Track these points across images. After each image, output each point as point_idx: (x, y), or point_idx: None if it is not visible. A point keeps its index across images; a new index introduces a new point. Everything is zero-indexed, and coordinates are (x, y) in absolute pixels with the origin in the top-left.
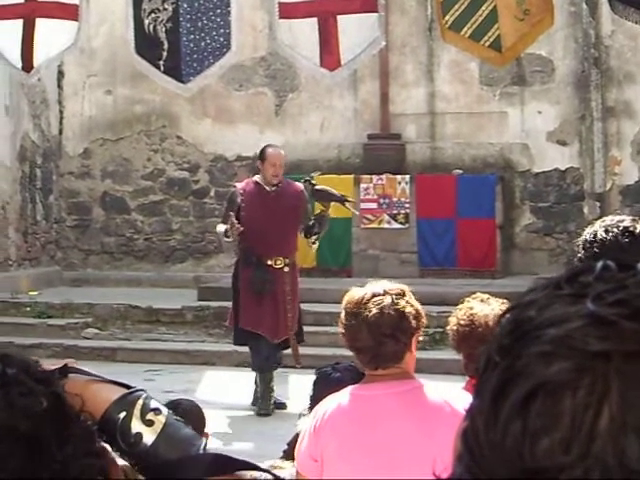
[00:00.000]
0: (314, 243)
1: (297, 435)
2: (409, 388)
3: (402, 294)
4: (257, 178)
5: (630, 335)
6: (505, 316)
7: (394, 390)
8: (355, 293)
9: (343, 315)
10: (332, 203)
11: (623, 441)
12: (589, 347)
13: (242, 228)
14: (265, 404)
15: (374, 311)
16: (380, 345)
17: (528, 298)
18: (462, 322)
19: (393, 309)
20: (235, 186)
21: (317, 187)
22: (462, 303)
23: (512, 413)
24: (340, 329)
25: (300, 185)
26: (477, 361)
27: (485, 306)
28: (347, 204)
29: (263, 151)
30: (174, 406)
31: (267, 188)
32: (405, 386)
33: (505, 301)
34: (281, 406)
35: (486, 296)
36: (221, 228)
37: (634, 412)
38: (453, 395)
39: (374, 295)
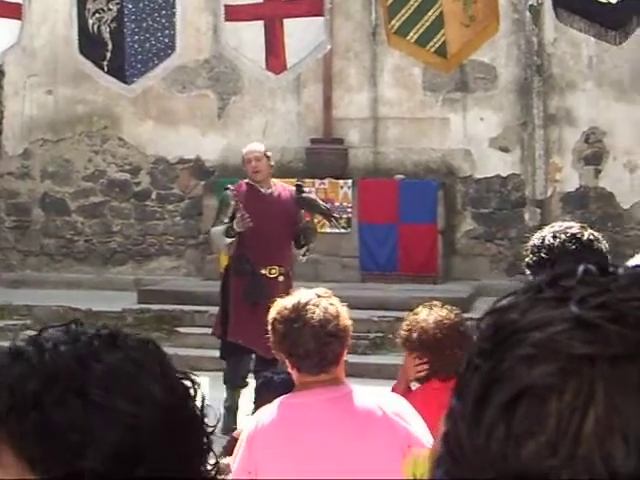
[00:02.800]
0: (304, 255)
1: (233, 437)
2: (340, 394)
3: (332, 297)
4: (249, 180)
5: (615, 338)
6: (483, 320)
7: (325, 396)
8: (286, 301)
9: (279, 324)
10: (316, 214)
11: (609, 444)
12: (574, 350)
13: (251, 222)
14: (232, 419)
15: (317, 312)
16: (324, 346)
17: (508, 301)
18: (405, 326)
19: (332, 310)
20: (228, 188)
21: (303, 195)
22: (411, 310)
23: (496, 417)
24: (273, 339)
25: (294, 189)
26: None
27: (434, 313)
28: (332, 219)
29: (242, 154)
30: None
31: (262, 190)
32: (337, 392)
33: (453, 308)
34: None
35: (435, 303)
36: (219, 229)
37: (620, 415)
38: (386, 399)
39: (309, 299)
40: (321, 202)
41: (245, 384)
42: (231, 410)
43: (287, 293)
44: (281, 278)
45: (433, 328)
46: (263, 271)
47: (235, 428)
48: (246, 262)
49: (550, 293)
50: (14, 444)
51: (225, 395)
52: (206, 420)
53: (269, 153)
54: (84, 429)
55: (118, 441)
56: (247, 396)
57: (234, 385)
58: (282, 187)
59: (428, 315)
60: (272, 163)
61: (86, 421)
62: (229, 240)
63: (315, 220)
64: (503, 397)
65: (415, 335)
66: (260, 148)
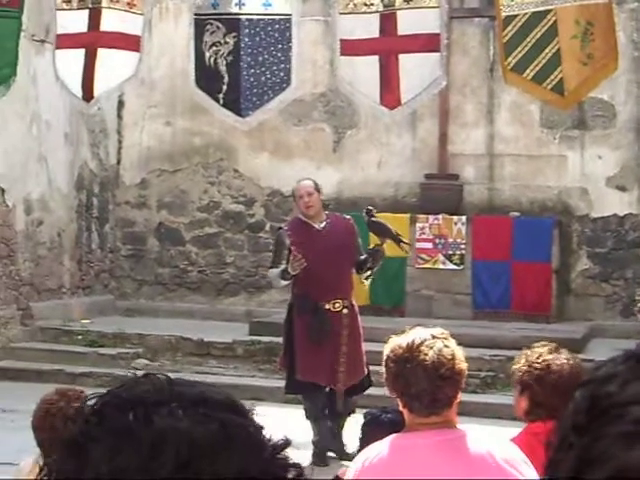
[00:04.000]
0: (367, 279)
1: (338, 477)
2: (452, 437)
3: (448, 338)
4: (302, 216)
5: None
6: (579, 390)
7: (436, 439)
8: (400, 340)
9: (392, 362)
10: (387, 239)
11: None
12: None
13: (305, 263)
14: (321, 455)
15: (430, 354)
16: (437, 388)
17: (607, 371)
18: (537, 365)
19: (447, 352)
20: (282, 227)
21: (374, 219)
22: (529, 348)
23: None
24: (387, 377)
25: (349, 218)
26: (553, 417)
27: (558, 355)
28: (402, 244)
29: (293, 190)
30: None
31: (316, 226)
32: (448, 435)
33: (576, 356)
34: (348, 456)
35: (554, 346)
36: (275, 271)
37: None
38: (498, 446)
39: (424, 339)
40: (392, 227)
41: (326, 416)
42: (321, 443)
43: (353, 324)
44: (345, 311)
45: (559, 371)
46: (327, 306)
47: (327, 464)
48: (308, 299)
49: None
50: None
51: (312, 430)
52: None
53: (320, 187)
54: None
55: None
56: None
57: (316, 418)
58: (336, 218)
59: (554, 356)
60: (322, 197)
61: None
62: (285, 282)
63: (384, 245)
64: (599, 477)
65: (554, 377)
66: (311, 183)
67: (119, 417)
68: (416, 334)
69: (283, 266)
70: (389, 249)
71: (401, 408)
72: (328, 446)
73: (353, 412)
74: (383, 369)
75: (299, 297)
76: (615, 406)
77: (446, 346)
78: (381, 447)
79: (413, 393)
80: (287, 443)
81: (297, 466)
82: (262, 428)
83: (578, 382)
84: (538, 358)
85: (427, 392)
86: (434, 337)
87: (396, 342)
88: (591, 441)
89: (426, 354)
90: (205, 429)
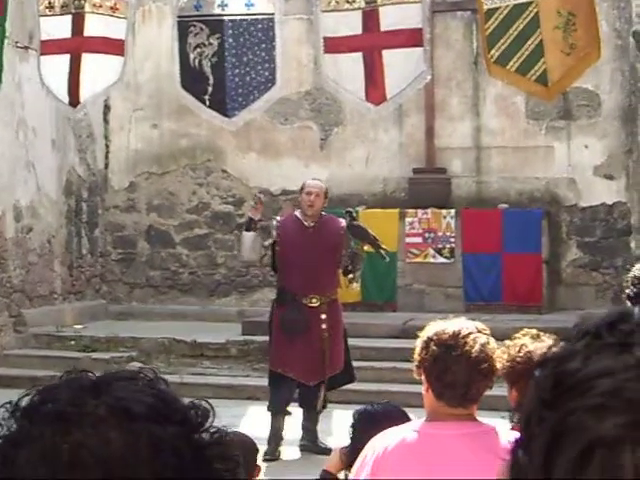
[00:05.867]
0: (351, 282)
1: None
2: (480, 431)
3: (489, 335)
4: (297, 213)
5: None
6: (539, 370)
7: (465, 431)
8: (447, 325)
9: (435, 345)
10: (366, 243)
11: None
12: None
13: (263, 199)
14: (270, 448)
15: (476, 347)
16: (473, 383)
17: (565, 350)
18: (519, 359)
19: (489, 349)
20: (275, 219)
21: (354, 223)
22: (511, 339)
23: (568, 470)
24: (424, 359)
25: (342, 221)
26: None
27: (539, 343)
28: (380, 250)
29: (303, 183)
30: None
31: (305, 223)
32: (476, 428)
33: (558, 339)
34: (326, 451)
35: (536, 332)
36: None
37: None
38: None
39: (471, 332)
40: (371, 232)
41: (287, 412)
42: (273, 437)
43: (333, 320)
44: (324, 307)
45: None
46: (304, 301)
47: (275, 459)
48: (286, 292)
49: (610, 339)
50: None
51: (270, 422)
52: None
53: (328, 194)
54: None
55: None
56: (292, 425)
57: (275, 412)
58: (330, 219)
59: (535, 346)
60: (326, 202)
61: None
62: (251, 233)
63: (365, 247)
64: (574, 450)
65: (520, 367)
66: (322, 185)
67: (37, 430)
68: (462, 324)
69: (264, 242)
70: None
71: (424, 391)
72: (279, 442)
73: (325, 407)
74: (417, 349)
75: (279, 289)
76: (581, 381)
77: (489, 343)
78: (405, 433)
79: (448, 381)
80: (222, 436)
81: (231, 460)
82: (192, 434)
83: None
84: (519, 351)
85: (462, 384)
86: (479, 331)
87: (442, 326)
88: (562, 415)
89: (472, 346)
90: (119, 445)
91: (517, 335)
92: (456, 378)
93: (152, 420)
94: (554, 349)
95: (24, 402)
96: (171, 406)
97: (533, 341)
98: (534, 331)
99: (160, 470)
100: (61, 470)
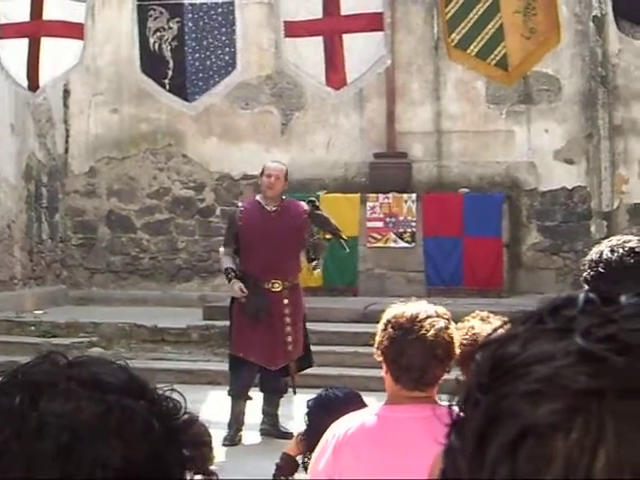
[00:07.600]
0: (314, 269)
1: (286, 454)
2: (437, 414)
3: (449, 320)
4: (259, 197)
5: (623, 372)
6: (480, 351)
7: (423, 414)
8: (405, 309)
9: (392, 328)
10: (327, 233)
11: None
12: (580, 385)
13: (246, 294)
14: (231, 433)
15: (432, 332)
16: (428, 367)
17: (506, 333)
18: (465, 342)
19: (446, 334)
20: (238, 205)
21: (316, 211)
22: (461, 322)
23: (499, 456)
24: (382, 341)
25: (304, 205)
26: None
27: (486, 325)
28: (341, 240)
29: (263, 166)
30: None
31: (268, 208)
32: (430, 411)
33: (506, 319)
34: (287, 435)
35: (486, 314)
36: (224, 255)
37: (631, 453)
38: None
39: (429, 315)
40: (333, 221)
41: (248, 397)
42: (234, 422)
43: (294, 305)
44: (285, 292)
45: None
46: (266, 285)
47: (235, 444)
48: (248, 277)
49: (552, 324)
50: None
51: (230, 407)
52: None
53: (288, 176)
54: None
55: None
56: (252, 410)
57: (236, 396)
58: (292, 203)
59: (481, 329)
60: (286, 185)
61: None
62: (226, 278)
63: (327, 236)
64: (507, 436)
65: (467, 350)
66: (282, 167)
67: (8, 399)
68: (422, 307)
69: (229, 264)
70: (344, 231)
71: (384, 374)
72: (240, 427)
73: (286, 392)
74: (379, 331)
75: (241, 274)
76: (518, 366)
77: (447, 328)
78: (364, 417)
79: (404, 364)
80: (192, 421)
81: (205, 444)
82: (163, 411)
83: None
84: (467, 333)
85: (417, 368)
86: (438, 315)
87: (400, 309)
88: (497, 399)
89: (427, 330)
90: (90, 413)
91: (467, 317)
92: (411, 362)
93: (125, 394)
94: (498, 331)
95: None
96: (145, 386)
97: (482, 323)
98: (485, 313)
99: (131, 439)
100: (27, 432)
